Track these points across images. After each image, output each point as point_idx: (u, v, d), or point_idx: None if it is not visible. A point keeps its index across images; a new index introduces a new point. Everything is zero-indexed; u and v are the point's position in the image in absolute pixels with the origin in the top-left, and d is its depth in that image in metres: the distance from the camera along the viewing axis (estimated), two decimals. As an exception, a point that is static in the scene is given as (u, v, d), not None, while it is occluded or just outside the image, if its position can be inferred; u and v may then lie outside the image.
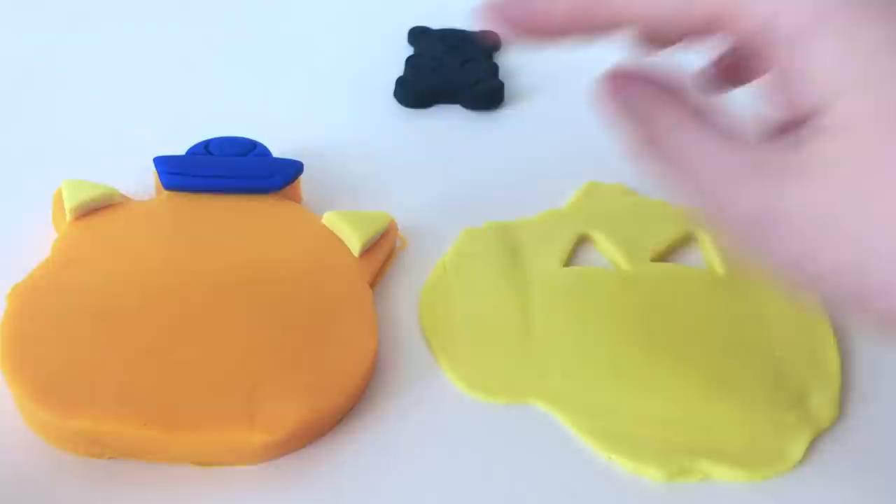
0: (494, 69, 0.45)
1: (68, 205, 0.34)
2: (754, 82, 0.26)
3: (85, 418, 0.28)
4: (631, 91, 0.26)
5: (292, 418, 0.28)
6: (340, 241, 0.34)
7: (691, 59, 0.27)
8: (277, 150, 0.38)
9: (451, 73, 0.44)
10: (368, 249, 0.34)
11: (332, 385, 0.29)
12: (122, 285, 0.32)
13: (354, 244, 0.34)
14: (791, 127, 0.24)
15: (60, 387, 0.28)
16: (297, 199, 0.36)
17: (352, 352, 0.30)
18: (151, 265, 0.32)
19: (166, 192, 0.35)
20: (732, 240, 0.24)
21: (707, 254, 0.36)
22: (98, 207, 0.34)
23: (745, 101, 0.27)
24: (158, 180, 0.36)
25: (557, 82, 0.45)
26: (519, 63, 0.46)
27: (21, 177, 0.38)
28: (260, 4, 0.50)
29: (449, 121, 0.43)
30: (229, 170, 0.36)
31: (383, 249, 0.34)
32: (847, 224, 0.22)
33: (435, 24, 0.48)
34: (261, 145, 0.37)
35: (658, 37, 0.25)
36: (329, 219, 0.35)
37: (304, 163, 0.37)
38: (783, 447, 0.29)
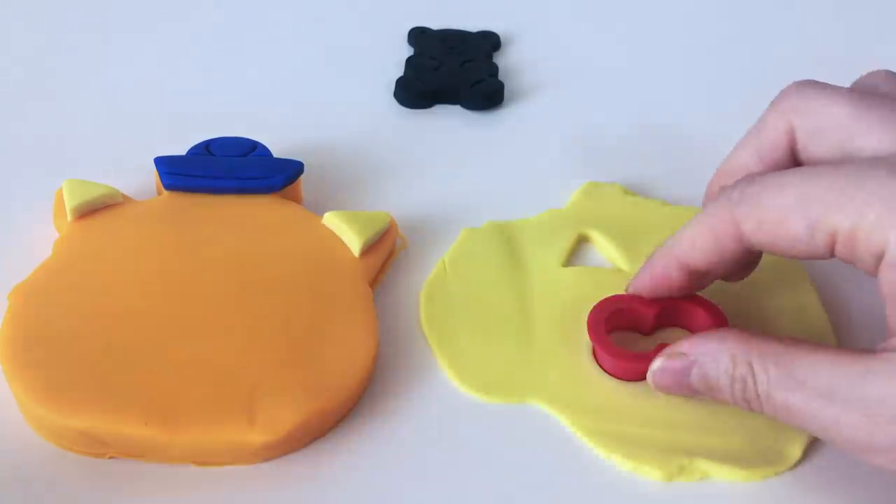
0: (494, 69, 0.45)
1: (69, 204, 0.34)
2: None
3: (86, 418, 0.28)
4: None
5: (292, 418, 0.28)
6: (340, 241, 0.34)
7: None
8: (278, 151, 0.38)
9: (451, 73, 0.44)
10: (368, 249, 0.34)
11: (332, 385, 0.29)
12: (123, 285, 0.32)
13: (354, 244, 0.34)
14: None
15: (62, 386, 0.28)
16: (297, 199, 0.37)
17: (352, 352, 0.30)
18: (152, 265, 0.32)
19: (167, 193, 0.35)
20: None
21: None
22: (99, 207, 0.34)
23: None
24: (159, 180, 0.36)
25: (557, 82, 0.45)
26: (519, 63, 0.46)
27: (22, 177, 0.38)
28: (260, 5, 0.50)
29: (449, 121, 0.43)
30: (230, 170, 0.36)
31: (383, 249, 0.34)
32: None
33: (435, 24, 0.48)
34: (261, 145, 0.37)
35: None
36: (329, 219, 0.35)
37: (304, 163, 0.37)
38: (782, 447, 0.29)
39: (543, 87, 0.45)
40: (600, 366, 0.31)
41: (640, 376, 0.30)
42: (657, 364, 0.29)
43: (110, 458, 0.28)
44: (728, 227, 0.28)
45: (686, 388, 0.29)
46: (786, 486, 0.29)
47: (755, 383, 0.27)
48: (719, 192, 0.29)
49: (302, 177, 0.36)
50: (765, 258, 0.33)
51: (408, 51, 0.47)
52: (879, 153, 0.27)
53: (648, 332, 0.32)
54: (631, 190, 0.39)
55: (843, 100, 0.28)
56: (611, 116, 0.43)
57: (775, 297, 0.34)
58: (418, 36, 0.47)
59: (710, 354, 0.28)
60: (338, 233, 0.34)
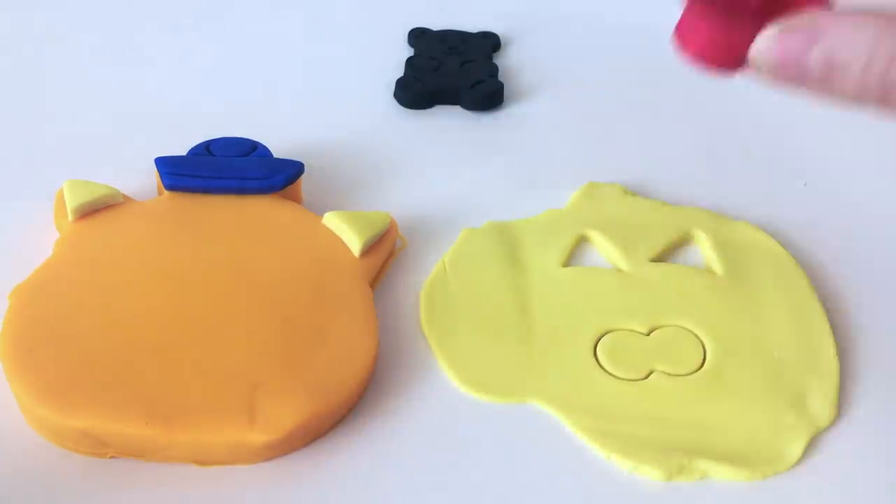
0: (494, 69, 0.45)
1: (70, 205, 0.34)
2: None
3: (87, 418, 0.28)
4: None
5: (292, 418, 0.28)
6: (341, 241, 0.34)
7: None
8: (278, 151, 0.38)
9: (451, 73, 0.44)
10: (369, 249, 0.34)
11: (332, 385, 0.29)
12: (124, 285, 0.32)
13: (355, 244, 0.34)
14: None
15: (62, 386, 0.28)
16: (297, 199, 0.37)
17: (352, 352, 0.31)
18: (153, 265, 0.32)
19: (167, 193, 0.35)
20: None
21: (706, 254, 0.36)
22: (100, 207, 0.34)
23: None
24: (160, 181, 0.36)
25: (557, 82, 0.45)
26: (519, 63, 0.46)
27: (23, 177, 0.38)
28: (261, 5, 0.50)
29: (449, 121, 0.43)
30: (230, 170, 0.36)
31: (383, 249, 0.35)
32: None
33: (435, 24, 0.48)
34: (261, 146, 0.37)
35: None
36: (329, 219, 0.35)
37: (304, 163, 0.37)
38: (782, 447, 0.29)
39: (543, 87, 0.45)
40: (683, 45, 0.26)
41: (736, 62, 0.25)
42: (770, 32, 0.24)
43: (111, 457, 0.29)
44: None
45: (799, 68, 0.24)
46: (784, 486, 0.29)
47: None
48: None
49: (302, 177, 0.36)
50: (762, 258, 0.33)
51: (408, 51, 0.47)
52: None
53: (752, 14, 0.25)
54: (631, 190, 0.39)
55: None
56: (611, 117, 0.43)
57: (772, 295, 0.34)
58: (418, 36, 0.47)
59: (843, 26, 0.23)
60: (338, 233, 0.34)
